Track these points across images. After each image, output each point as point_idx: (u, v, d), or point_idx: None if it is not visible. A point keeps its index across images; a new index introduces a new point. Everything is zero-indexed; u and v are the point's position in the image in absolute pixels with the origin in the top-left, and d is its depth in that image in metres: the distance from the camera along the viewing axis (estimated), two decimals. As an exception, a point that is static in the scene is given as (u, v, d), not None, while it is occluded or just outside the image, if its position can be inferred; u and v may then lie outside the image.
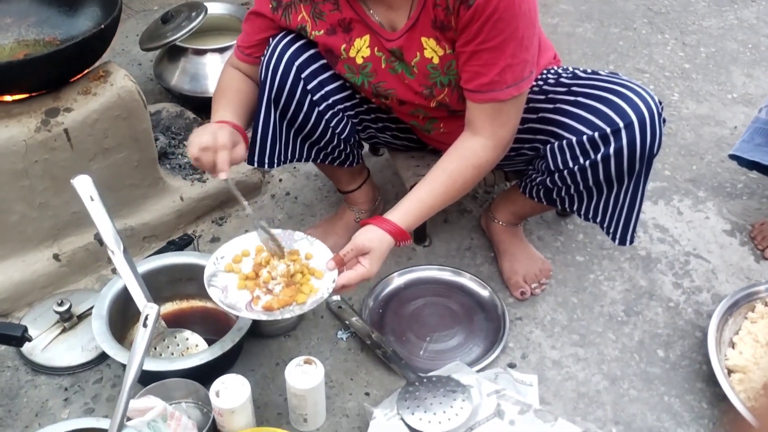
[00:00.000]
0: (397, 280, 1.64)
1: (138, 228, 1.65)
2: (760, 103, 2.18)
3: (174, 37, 1.95)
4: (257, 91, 1.44)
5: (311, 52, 1.40)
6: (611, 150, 1.28)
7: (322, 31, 1.36)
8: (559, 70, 1.45)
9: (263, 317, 1.21)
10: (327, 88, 1.42)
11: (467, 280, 1.64)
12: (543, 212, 1.78)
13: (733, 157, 1.74)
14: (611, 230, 1.43)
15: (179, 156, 1.83)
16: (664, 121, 1.30)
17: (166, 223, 1.69)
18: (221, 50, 2.07)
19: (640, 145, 1.27)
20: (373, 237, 1.24)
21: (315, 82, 1.40)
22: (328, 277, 1.23)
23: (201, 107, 2.08)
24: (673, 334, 1.54)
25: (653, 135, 1.27)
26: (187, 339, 1.43)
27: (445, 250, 1.75)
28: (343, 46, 1.35)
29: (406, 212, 1.28)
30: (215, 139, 1.25)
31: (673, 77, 2.45)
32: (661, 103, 1.29)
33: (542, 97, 1.41)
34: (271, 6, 1.38)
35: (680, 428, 1.36)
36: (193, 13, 2.05)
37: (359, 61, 1.35)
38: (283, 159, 1.50)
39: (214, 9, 2.17)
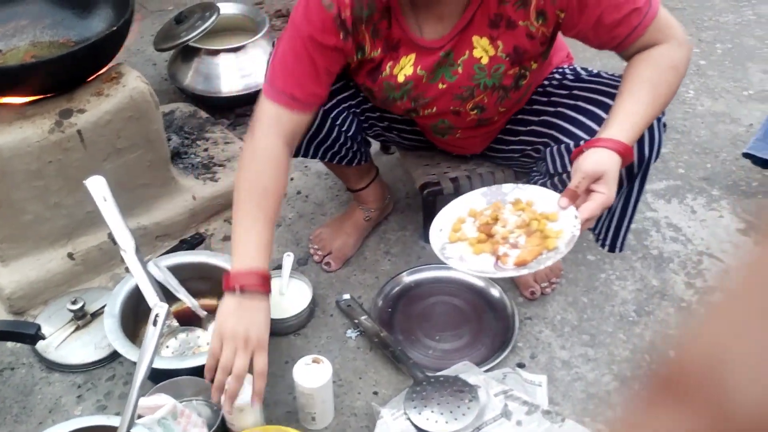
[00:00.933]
0: (407, 279, 1.65)
1: (151, 227, 1.67)
2: (777, 101, 2.16)
3: (187, 38, 1.97)
4: (287, 172, 1.29)
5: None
6: None
7: (378, 50, 1.29)
8: (566, 70, 1.44)
9: (523, 272, 1.12)
10: (332, 86, 1.39)
11: (476, 279, 1.64)
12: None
13: (746, 155, 1.72)
14: (601, 236, 1.42)
15: (192, 155, 1.85)
16: (665, 126, 1.28)
17: (179, 222, 1.71)
18: (234, 50, 2.09)
19: (638, 151, 1.24)
20: (600, 159, 1.10)
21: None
22: (567, 215, 1.11)
23: (214, 107, 2.10)
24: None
25: (651, 142, 1.25)
26: (198, 337, 1.44)
27: (456, 249, 1.75)
28: (390, 63, 1.31)
29: (621, 128, 1.13)
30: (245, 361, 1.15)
31: (689, 74, 2.41)
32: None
33: (545, 99, 1.41)
34: (341, 35, 1.23)
35: (690, 430, 1.35)
36: (207, 14, 2.07)
37: (401, 79, 1.31)
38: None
39: (227, 9, 2.18)
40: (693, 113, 2.23)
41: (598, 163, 1.10)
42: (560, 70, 1.45)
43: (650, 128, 1.24)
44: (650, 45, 1.20)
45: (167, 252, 1.61)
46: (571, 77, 1.42)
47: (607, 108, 1.26)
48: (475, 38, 1.25)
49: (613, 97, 1.27)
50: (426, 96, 1.34)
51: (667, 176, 1.97)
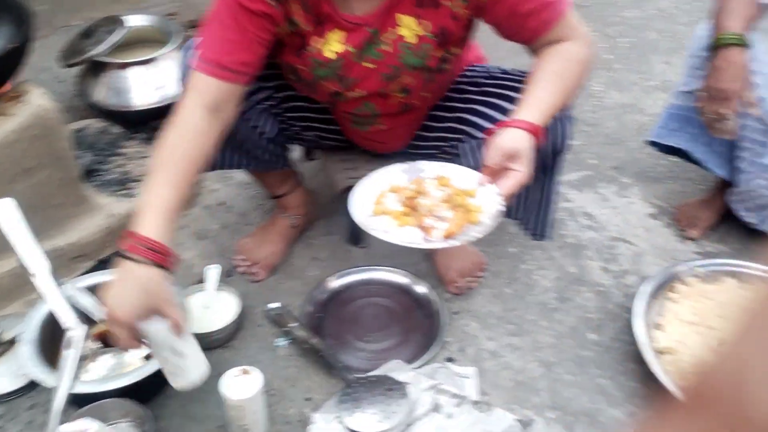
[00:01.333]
0: (335, 283, 1.65)
1: (66, 248, 1.61)
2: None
3: (94, 52, 1.92)
4: (218, 141, 1.24)
5: None
6: None
7: (310, 25, 1.27)
8: (477, 68, 1.48)
9: (452, 243, 1.14)
10: (251, 97, 1.38)
11: (404, 278, 1.66)
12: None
13: (651, 143, 1.81)
14: (530, 227, 1.48)
15: (106, 172, 1.80)
16: (571, 118, 1.34)
17: (95, 241, 1.66)
18: (144, 62, 2.04)
19: (551, 144, 1.30)
20: (514, 137, 1.14)
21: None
22: (488, 193, 1.15)
23: (127, 121, 2.05)
24: (604, 318, 1.59)
25: (562, 134, 1.31)
26: (124, 358, 1.40)
27: (382, 250, 1.77)
28: (316, 38, 1.29)
29: (531, 111, 1.19)
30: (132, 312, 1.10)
31: (597, 68, 2.52)
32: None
33: (458, 95, 1.44)
34: (268, 0, 1.21)
35: (613, 408, 1.40)
36: (114, 27, 2.02)
37: (329, 55, 1.29)
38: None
39: (136, 21, 2.14)
40: (601, 106, 2.32)
41: (514, 140, 1.15)
42: (473, 68, 1.50)
43: (560, 122, 1.30)
44: (557, 41, 1.26)
45: (85, 273, 1.56)
46: (483, 74, 1.46)
47: (515, 102, 1.31)
48: (399, 16, 1.26)
49: (521, 92, 1.32)
50: (353, 75, 1.32)
51: (579, 167, 2.04)
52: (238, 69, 1.22)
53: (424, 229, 1.17)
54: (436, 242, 1.15)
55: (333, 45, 1.29)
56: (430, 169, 1.26)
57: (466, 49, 1.42)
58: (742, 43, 1.46)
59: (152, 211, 1.14)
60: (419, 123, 1.53)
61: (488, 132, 1.21)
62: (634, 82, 2.45)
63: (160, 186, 1.15)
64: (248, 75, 1.25)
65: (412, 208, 1.20)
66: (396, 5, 1.25)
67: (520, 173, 1.15)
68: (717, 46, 1.48)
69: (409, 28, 1.27)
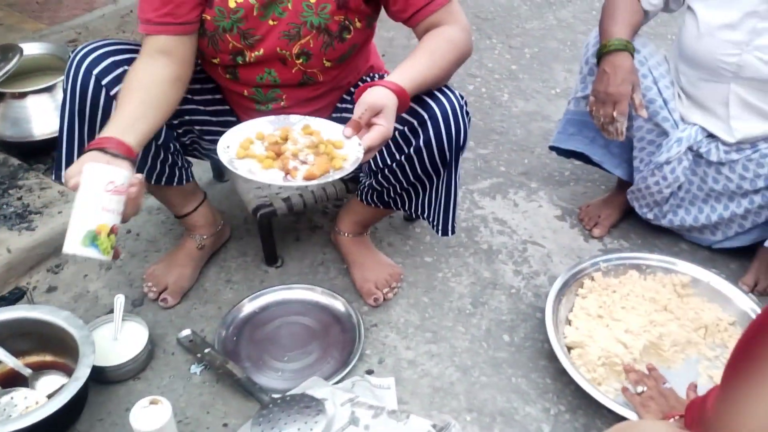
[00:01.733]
0: (250, 306, 1.63)
1: (-38, 288, 1.53)
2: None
3: (-13, 82, 1.84)
4: (182, 77, 1.34)
5: (113, 59, 1.36)
6: (421, 142, 1.36)
7: None
8: (375, 76, 1.53)
9: (311, 183, 1.19)
10: None
11: (320, 295, 1.65)
12: (383, 217, 1.81)
13: (552, 148, 1.87)
14: (435, 223, 1.51)
15: (4, 206, 1.72)
16: (468, 114, 1.38)
17: (-6, 278, 1.59)
18: (43, 90, 1.97)
19: (446, 135, 1.35)
20: (381, 94, 1.22)
21: (117, 88, 1.33)
22: (352, 143, 1.22)
23: (27, 152, 1.98)
24: (516, 318, 1.63)
25: (458, 126, 1.35)
26: (26, 398, 1.34)
27: (298, 268, 1.76)
28: None
29: (400, 77, 1.26)
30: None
31: (503, 79, 2.61)
32: (463, 98, 1.38)
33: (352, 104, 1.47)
34: None
35: (528, 405, 1.43)
36: (9, 55, 1.95)
37: (232, 5, 1.33)
38: None
39: (32, 50, 2.07)
40: (509, 114, 2.39)
41: (380, 97, 1.22)
42: (375, 75, 1.55)
43: (454, 115, 1.35)
44: (439, 25, 1.36)
45: (-18, 312, 1.48)
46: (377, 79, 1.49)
47: (415, 100, 1.35)
48: None
49: (422, 92, 1.36)
50: (256, 33, 1.36)
51: (490, 175, 2.10)
52: (163, 21, 1.31)
53: (287, 170, 1.21)
54: (295, 182, 1.20)
55: None
56: (299, 121, 1.32)
57: (367, 47, 1.49)
58: (627, 49, 1.54)
59: (113, 122, 1.21)
60: (323, 106, 1.54)
61: (359, 89, 1.26)
62: (538, 91, 2.54)
63: (123, 104, 1.24)
64: (193, 27, 1.33)
65: (276, 153, 1.25)
66: None
67: (383, 127, 1.21)
68: (604, 52, 1.55)
69: None
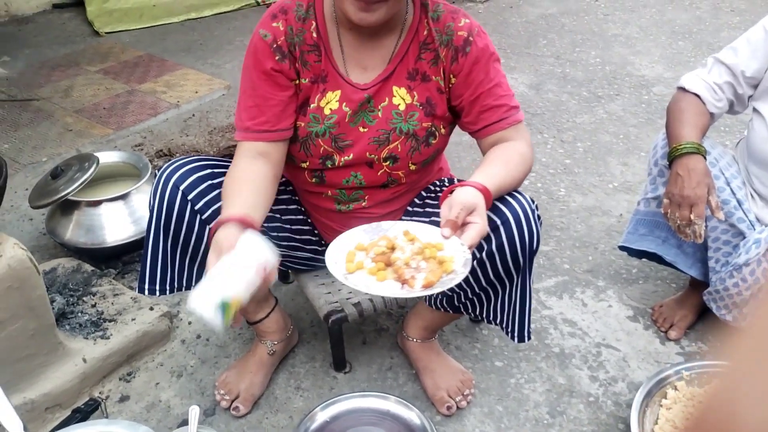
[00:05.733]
0: (322, 415, 1.59)
1: (39, 400, 1.54)
2: (638, 191, 2.35)
3: (66, 192, 1.92)
4: (277, 176, 1.39)
5: (198, 175, 1.41)
6: (494, 246, 1.35)
7: (307, 80, 1.39)
8: (445, 180, 1.59)
9: (432, 291, 1.18)
10: (214, 207, 1.40)
11: (393, 404, 1.61)
12: (451, 321, 1.79)
13: (622, 248, 1.85)
14: (509, 329, 1.48)
15: (79, 314, 1.74)
16: (539, 218, 1.38)
17: (69, 389, 1.59)
18: (117, 198, 2.04)
19: (519, 240, 1.35)
20: (471, 193, 1.24)
21: (202, 203, 1.40)
22: (453, 244, 1.21)
23: (99, 258, 2.02)
24: (598, 430, 1.56)
25: (530, 230, 1.35)
26: None
27: (367, 373, 1.73)
28: (318, 96, 1.40)
29: (481, 178, 1.29)
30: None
31: (557, 173, 2.62)
32: (534, 202, 1.38)
33: (421, 202, 1.54)
34: (276, 58, 1.36)
35: None
36: (86, 164, 2.03)
37: (327, 111, 1.40)
38: (177, 286, 1.49)
39: (106, 158, 2.15)
40: (568, 210, 2.39)
41: (471, 195, 1.24)
42: (439, 181, 1.59)
43: (526, 219, 1.35)
44: (507, 140, 1.42)
45: (59, 426, 1.48)
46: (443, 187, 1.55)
47: None
48: (394, 88, 1.41)
49: None
50: (346, 138, 1.41)
51: (554, 273, 2.07)
52: (276, 128, 1.38)
53: (404, 280, 1.20)
54: (415, 292, 1.18)
55: (332, 104, 1.41)
56: (392, 228, 1.32)
57: (441, 153, 1.53)
58: (699, 151, 1.54)
59: (231, 206, 1.27)
60: (402, 205, 1.57)
61: (445, 192, 1.28)
62: (595, 185, 2.54)
63: (237, 193, 1.29)
64: (274, 132, 1.38)
65: (385, 262, 1.24)
66: (391, 78, 1.40)
67: (479, 225, 1.22)
68: (676, 155, 1.55)
69: (400, 97, 1.41)
